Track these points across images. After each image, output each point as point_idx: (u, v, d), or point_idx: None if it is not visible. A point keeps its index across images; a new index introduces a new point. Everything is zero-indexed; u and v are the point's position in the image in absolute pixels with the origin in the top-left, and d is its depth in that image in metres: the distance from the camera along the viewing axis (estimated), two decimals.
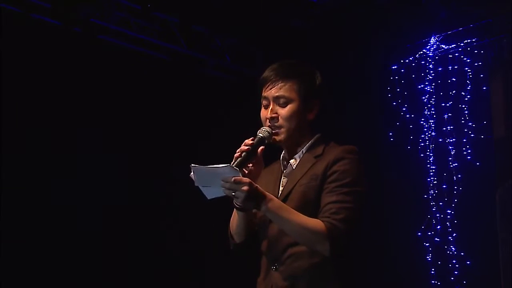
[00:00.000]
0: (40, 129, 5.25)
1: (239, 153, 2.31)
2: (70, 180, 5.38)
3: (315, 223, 2.25)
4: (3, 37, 4.98)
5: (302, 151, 2.47)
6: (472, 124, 5.49)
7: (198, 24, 6.09)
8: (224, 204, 2.57)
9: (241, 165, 2.27)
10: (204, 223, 5.52)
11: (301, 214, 2.26)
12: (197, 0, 5.71)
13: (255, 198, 2.20)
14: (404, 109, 5.80)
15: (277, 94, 2.43)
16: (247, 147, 2.33)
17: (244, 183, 2.17)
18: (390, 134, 5.80)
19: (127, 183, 5.68)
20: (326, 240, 2.22)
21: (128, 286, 5.62)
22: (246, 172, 2.33)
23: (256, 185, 2.22)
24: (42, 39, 5.21)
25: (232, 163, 2.26)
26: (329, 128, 2.58)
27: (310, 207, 2.31)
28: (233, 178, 2.16)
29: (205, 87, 6.23)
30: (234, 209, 2.45)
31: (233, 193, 2.18)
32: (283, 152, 2.54)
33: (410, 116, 5.77)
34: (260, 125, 2.45)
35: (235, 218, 2.48)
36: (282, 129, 2.42)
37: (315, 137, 2.49)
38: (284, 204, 2.30)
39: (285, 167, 2.51)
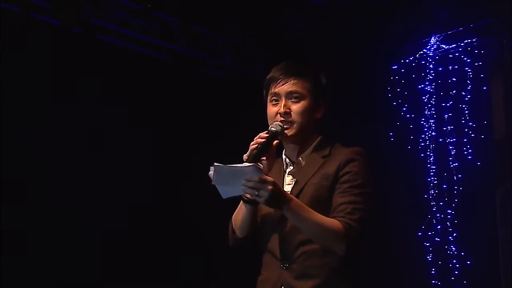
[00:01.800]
0: (40, 129, 5.25)
1: (255, 145, 2.32)
2: (70, 180, 5.38)
3: (333, 222, 2.28)
4: (3, 37, 4.98)
5: (309, 150, 2.49)
6: (472, 124, 5.49)
7: (198, 24, 6.09)
8: (225, 202, 2.57)
9: (256, 158, 2.29)
10: (206, 221, 5.52)
11: (318, 214, 2.29)
12: (197, 0, 5.71)
13: (278, 198, 2.22)
14: (404, 109, 5.80)
15: (290, 89, 2.45)
16: (263, 139, 2.34)
17: (269, 183, 2.18)
18: (390, 134, 5.80)
19: (127, 183, 5.68)
20: (343, 239, 2.25)
21: (129, 284, 5.62)
22: (261, 165, 2.34)
23: (279, 185, 2.24)
24: (42, 39, 5.21)
25: (247, 154, 2.28)
26: (331, 128, 2.58)
27: (321, 206, 2.33)
28: (259, 177, 2.17)
29: (205, 87, 6.22)
30: (240, 204, 2.46)
31: (257, 192, 2.18)
32: (284, 150, 2.54)
33: (411, 116, 5.77)
34: (264, 123, 2.46)
35: (240, 212, 2.48)
36: (294, 125, 2.44)
37: (320, 137, 2.52)
38: (304, 204, 2.31)
39: (288, 165, 2.51)
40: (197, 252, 6.01)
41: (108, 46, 5.64)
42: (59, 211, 5.27)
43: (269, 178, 2.20)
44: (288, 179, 2.48)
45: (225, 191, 2.26)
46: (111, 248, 5.52)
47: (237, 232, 2.52)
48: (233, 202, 2.48)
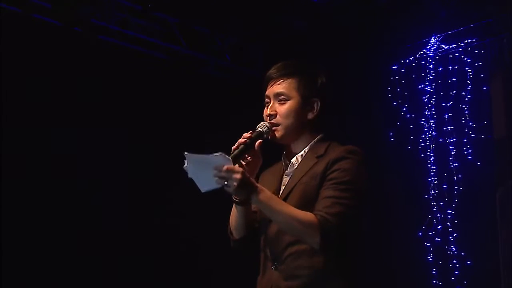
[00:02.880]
0: (40, 129, 5.24)
1: (236, 145, 2.32)
2: (70, 180, 5.38)
3: (306, 215, 2.24)
4: (3, 37, 4.98)
5: (305, 151, 2.47)
6: (473, 124, 5.49)
7: (198, 24, 6.08)
8: (224, 202, 2.57)
9: (237, 157, 2.28)
10: (204, 221, 5.51)
11: (292, 206, 2.27)
12: (197, 0, 5.71)
13: (246, 187, 2.19)
14: (404, 109, 5.80)
15: (277, 91, 2.44)
16: (245, 139, 2.34)
17: (236, 172, 2.16)
18: (391, 134, 5.80)
19: (127, 182, 5.68)
20: (316, 232, 2.21)
21: (128, 285, 5.62)
22: (244, 164, 2.35)
23: (248, 175, 2.22)
24: (42, 39, 5.21)
25: (230, 155, 2.26)
26: (330, 128, 2.57)
27: (310, 205, 2.30)
28: (226, 166, 2.15)
29: (205, 87, 6.22)
30: (233, 205, 2.45)
31: (225, 182, 2.17)
32: (285, 151, 2.54)
33: (411, 116, 5.77)
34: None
35: (234, 213, 2.48)
36: (280, 127, 2.43)
37: (317, 137, 2.50)
38: (275, 196, 2.31)
39: (287, 166, 2.51)
40: (197, 252, 6.00)
41: (108, 46, 5.64)
42: (59, 211, 5.27)
43: (237, 168, 2.18)
44: (285, 179, 2.48)
45: (202, 184, 2.22)
46: (110, 249, 5.51)
47: (234, 233, 2.52)
48: (231, 201, 2.48)
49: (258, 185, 2.25)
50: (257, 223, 2.50)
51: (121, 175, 5.64)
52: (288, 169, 2.49)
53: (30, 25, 5.16)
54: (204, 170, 2.18)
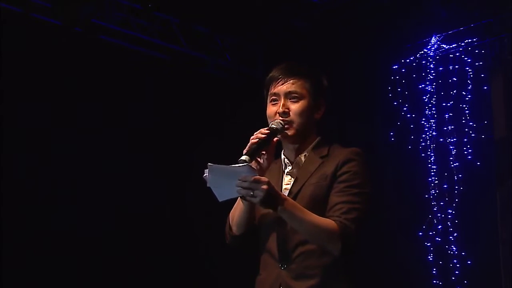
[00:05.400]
0: (40, 130, 5.25)
1: (255, 140, 2.33)
2: (70, 180, 5.38)
3: (328, 222, 2.28)
4: (3, 37, 4.98)
5: (308, 151, 2.50)
6: (473, 124, 5.48)
7: (199, 24, 6.09)
8: (224, 201, 2.56)
9: (255, 153, 2.29)
10: (204, 221, 5.52)
11: (313, 214, 2.29)
12: (197, 0, 5.71)
13: (272, 198, 2.21)
14: (405, 109, 5.79)
15: (289, 90, 2.46)
16: (264, 135, 2.35)
17: (263, 182, 2.17)
18: (391, 134, 5.79)
19: (127, 183, 5.68)
20: (338, 239, 2.25)
21: (128, 285, 5.62)
22: (261, 160, 2.37)
23: (273, 185, 2.23)
24: (42, 39, 5.21)
25: (246, 149, 2.28)
26: (331, 128, 2.59)
27: (319, 206, 2.34)
28: (253, 177, 2.16)
29: (205, 87, 6.23)
30: (238, 200, 2.45)
31: (251, 193, 2.17)
32: (283, 151, 2.55)
33: (411, 116, 5.77)
34: (264, 123, 2.47)
35: (238, 208, 2.48)
36: (293, 124, 2.44)
37: (318, 138, 2.53)
38: (297, 204, 2.32)
39: (286, 165, 2.51)
40: (196, 252, 6.01)
41: (108, 46, 5.64)
42: (59, 212, 5.27)
43: (264, 178, 2.19)
44: (286, 179, 2.49)
45: (221, 194, 2.24)
46: (109, 248, 5.52)
47: (234, 229, 2.52)
48: (231, 201, 2.48)
49: (281, 193, 2.28)
50: (256, 221, 2.49)
51: (121, 174, 5.64)
52: (291, 169, 2.49)
53: (30, 25, 5.17)
54: (226, 180, 2.18)
